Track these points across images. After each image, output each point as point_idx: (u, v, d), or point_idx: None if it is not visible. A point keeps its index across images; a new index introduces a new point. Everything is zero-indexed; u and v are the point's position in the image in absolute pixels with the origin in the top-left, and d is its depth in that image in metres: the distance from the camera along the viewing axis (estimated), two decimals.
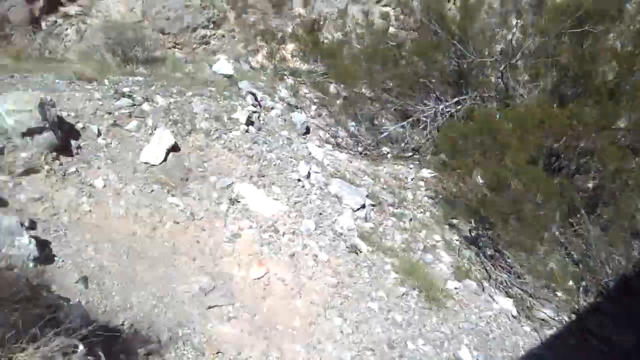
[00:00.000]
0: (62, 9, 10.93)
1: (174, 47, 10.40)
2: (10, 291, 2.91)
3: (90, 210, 4.91)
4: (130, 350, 3.74)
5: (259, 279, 4.81)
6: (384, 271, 5.35)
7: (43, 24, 10.72)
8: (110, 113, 5.78)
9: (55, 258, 4.27)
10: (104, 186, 5.13)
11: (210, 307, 4.45)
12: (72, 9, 10.94)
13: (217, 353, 4.08)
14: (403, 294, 5.14)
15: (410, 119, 8.00)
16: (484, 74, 8.41)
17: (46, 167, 4.95)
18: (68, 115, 5.51)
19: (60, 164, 5.09)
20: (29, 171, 4.85)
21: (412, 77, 8.44)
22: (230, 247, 5.03)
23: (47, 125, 4.93)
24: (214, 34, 10.97)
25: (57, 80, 6.23)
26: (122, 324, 3.98)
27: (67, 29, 10.78)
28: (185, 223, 5.09)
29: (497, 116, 6.62)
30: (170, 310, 4.28)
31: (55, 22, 10.88)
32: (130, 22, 9.52)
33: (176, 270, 4.67)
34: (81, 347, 3.03)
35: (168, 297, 4.38)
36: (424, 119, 7.99)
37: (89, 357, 3.14)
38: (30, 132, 4.87)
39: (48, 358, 2.67)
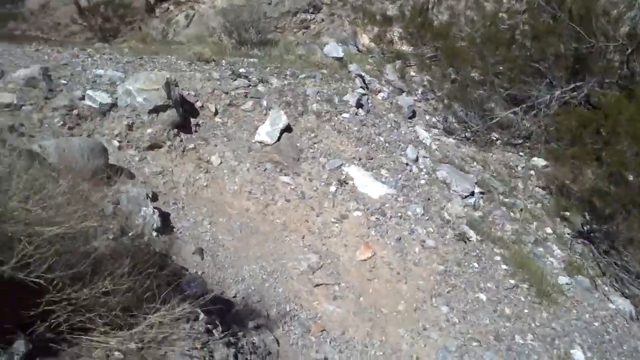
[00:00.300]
0: None
1: (275, 30, 10.57)
2: (144, 257, 3.12)
3: (206, 186, 5.15)
4: (242, 322, 3.89)
5: (365, 260, 4.84)
6: (494, 262, 5.20)
7: (157, 11, 11.32)
8: (227, 93, 6.01)
9: (174, 229, 4.52)
10: (220, 163, 5.36)
11: (317, 285, 4.54)
12: None
13: (322, 331, 4.16)
14: (513, 287, 4.97)
15: (524, 105, 7.64)
16: (605, 59, 7.84)
17: (168, 143, 5.24)
18: (188, 94, 5.80)
19: (181, 141, 5.37)
20: (152, 146, 5.17)
21: (525, 61, 8.04)
22: (338, 227, 5.10)
23: (171, 104, 5.22)
24: (314, 18, 11.03)
25: (179, 61, 6.56)
26: (235, 296, 4.15)
27: (177, 15, 11.30)
28: (296, 202, 5.22)
29: (624, 103, 6.16)
30: (279, 285, 4.41)
31: (168, 8, 11.44)
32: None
33: (286, 247, 4.80)
34: (202, 315, 3.21)
35: (278, 273, 4.51)
36: (537, 105, 7.61)
37: (208, 326, 3.32)
38: (156, 110, 5.18)
39: (174, 321, 2.86)
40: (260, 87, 6.25)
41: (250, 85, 6.18)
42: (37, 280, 2.11)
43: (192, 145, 5.39)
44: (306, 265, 4.65)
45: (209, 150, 5.46)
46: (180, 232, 4.55)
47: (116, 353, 2.53)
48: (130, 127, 5.09)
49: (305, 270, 4.61)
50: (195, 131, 5.57)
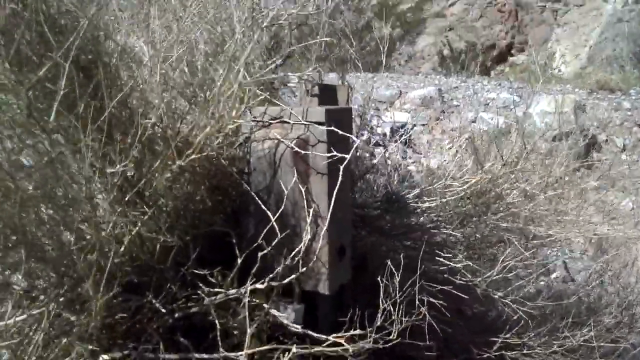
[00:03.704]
0: (510, 59, 11.02)
1: None
2: None
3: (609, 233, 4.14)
4: None
5: None
6: None
7: (492, 73, 11.05)
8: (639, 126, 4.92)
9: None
10: (632, 209, 4.29)
11: None
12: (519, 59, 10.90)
13: None
14: None
15: None
16: None
17: (566, 178, 4.42)
18: (591, 125, 4.90)
19: (580, 177, 4.49)
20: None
21: None
22: None
23: (575, 131, 4.41)
24: None
25: (576, 89, 5.73)
26: None
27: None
28: None
29: None
30: None
31: (503, 70, 11.03)
32: None
33: None
34: None
35: None
36: None
37: None
38: (558, 137, 4.42)
39: None
40: None
41: None
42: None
43: (594, 184, 4.45)
44: None
45: (613, 193, 4.45)
46: None
47: None
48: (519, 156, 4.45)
49: None
50: (597, 167, 4.62)
